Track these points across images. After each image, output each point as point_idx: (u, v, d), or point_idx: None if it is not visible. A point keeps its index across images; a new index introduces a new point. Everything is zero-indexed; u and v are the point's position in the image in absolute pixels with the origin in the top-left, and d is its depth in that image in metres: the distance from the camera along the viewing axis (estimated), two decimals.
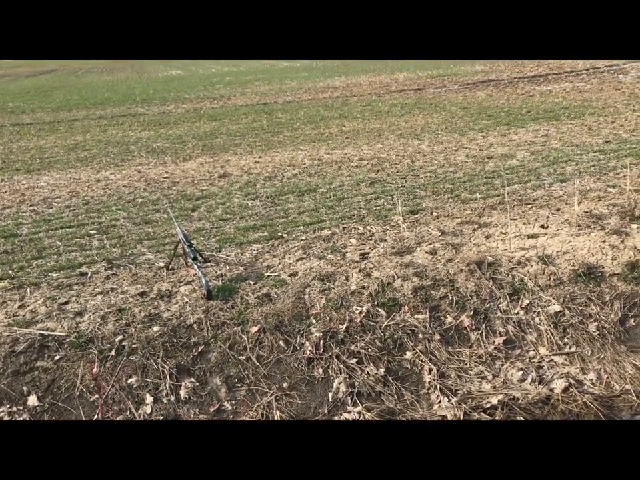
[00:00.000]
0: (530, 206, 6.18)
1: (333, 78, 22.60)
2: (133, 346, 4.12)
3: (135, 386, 3.92)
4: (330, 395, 3.99)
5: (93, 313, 4.41)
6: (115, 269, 5.21)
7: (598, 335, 4.40)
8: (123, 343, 4.14)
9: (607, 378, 4.12)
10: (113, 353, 4.07)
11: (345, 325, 4.32)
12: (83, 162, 9.78)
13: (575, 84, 15.92)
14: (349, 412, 3.87)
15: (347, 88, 19.02)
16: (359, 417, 3.82)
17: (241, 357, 4.14)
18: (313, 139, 10.75)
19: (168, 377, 3.97)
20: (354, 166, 8.45)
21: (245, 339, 4.22)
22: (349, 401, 3.95)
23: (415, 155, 8.89)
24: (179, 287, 4.76)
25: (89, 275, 5.09)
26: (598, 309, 4.54)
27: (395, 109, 13.76)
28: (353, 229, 5.89)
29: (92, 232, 6.22)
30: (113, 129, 13.12)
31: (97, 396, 3.78)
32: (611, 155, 8.02)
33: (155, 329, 4.24)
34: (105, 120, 14.60)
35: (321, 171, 8.28)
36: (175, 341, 4.18)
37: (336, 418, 3.86)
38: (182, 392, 3.93)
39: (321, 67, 30.36)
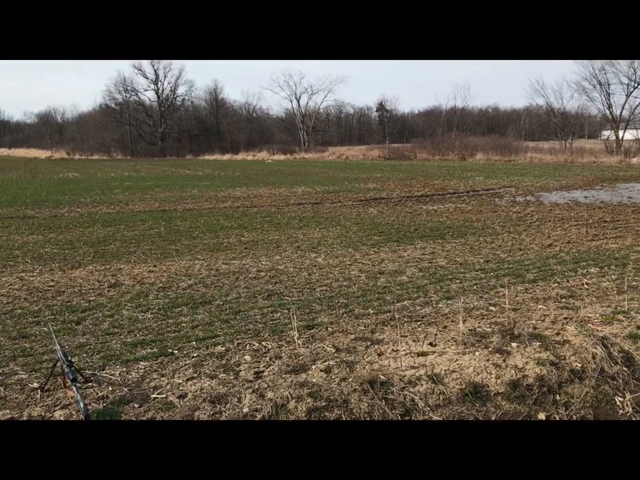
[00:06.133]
0: (419, 323, 6.41)
1: (234, 188, 23.12)
2: None
3: None
4: None
5: None
6: None
7: None
8: None
9: None
10: None
11: None
12: None
13: (457, 204, 17.33)
14: None
15: (248, 198, 19.48)
16: None
17: None
18: (211, 248, 10.74)
19: None
20: (252, 277, 8.46)
21: None
22: None
23: (311, 267, 9.09)
24: (54, 411, 4.35)
25: None
26: None
27: (293, 221, 14.18)
28: (248, 345, 5.78)
29: None
30: None
31: None
32: (491, 273, 8.63)
33: None
34: None
35: (217, 282, 8.19)
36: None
37: None
38: None
39: (222, 176, 31.07)
